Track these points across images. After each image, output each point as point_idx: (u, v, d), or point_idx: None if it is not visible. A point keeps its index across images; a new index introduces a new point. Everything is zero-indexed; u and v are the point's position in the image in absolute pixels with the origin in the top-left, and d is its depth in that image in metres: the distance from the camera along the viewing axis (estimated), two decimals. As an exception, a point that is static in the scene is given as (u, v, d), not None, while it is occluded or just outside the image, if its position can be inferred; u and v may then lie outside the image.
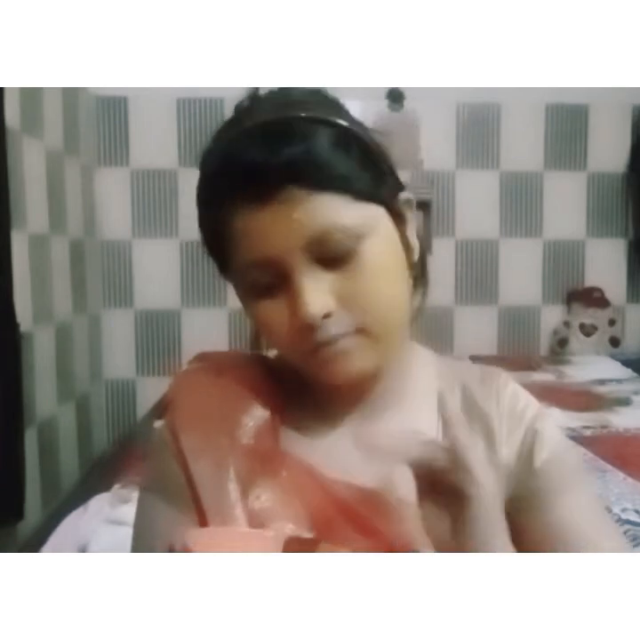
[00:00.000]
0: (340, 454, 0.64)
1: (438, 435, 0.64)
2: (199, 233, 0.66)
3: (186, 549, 0.54)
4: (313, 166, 0.56)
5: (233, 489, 0.59)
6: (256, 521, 0.58)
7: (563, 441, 0.69)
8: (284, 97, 0.62)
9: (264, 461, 0.61)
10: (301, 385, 0.67)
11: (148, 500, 0.64)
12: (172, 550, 0.56)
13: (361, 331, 0.60)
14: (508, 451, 0.66)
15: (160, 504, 0.62)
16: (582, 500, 0.64)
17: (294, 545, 0.54)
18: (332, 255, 0.58)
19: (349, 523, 0.59)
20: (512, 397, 0.69)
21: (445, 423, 0.59)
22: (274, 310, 0.60)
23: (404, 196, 0.65)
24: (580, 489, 0.65)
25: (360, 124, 0.62)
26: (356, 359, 0.60)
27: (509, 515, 0.62)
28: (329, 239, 0.57)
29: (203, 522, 0.58)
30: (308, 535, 0.57)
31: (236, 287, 0.64)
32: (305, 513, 0.59)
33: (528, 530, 0.63)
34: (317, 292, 0.58)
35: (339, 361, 0.60)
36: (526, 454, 0.66)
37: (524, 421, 0.67)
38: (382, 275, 0.60)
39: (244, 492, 0.59)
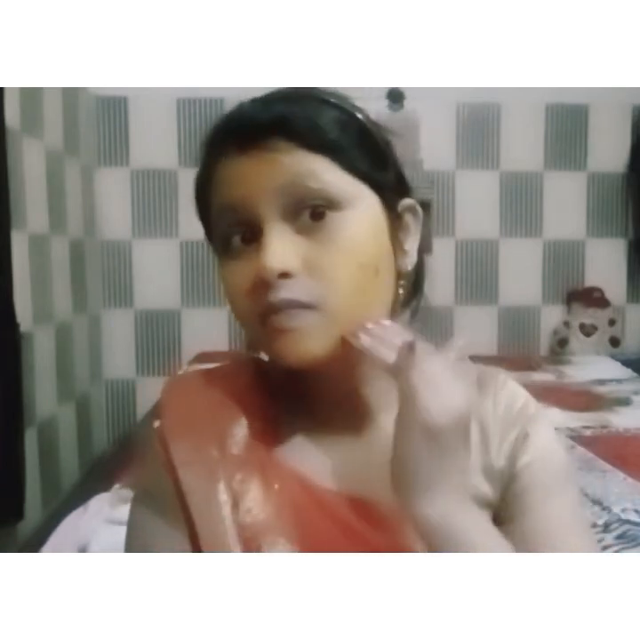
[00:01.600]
0: (336, 461, 0.63)
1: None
2: (194, 191, 0.66)
3: None
4: (303, 124, 0.58)
5: (224, 502, 0.57)
6: (246, 535, 0.56)
7: (550, 447, 0.66)
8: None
9: (255, 472, 0.59)
10: (296, 388, 0.66)
11: (139, 511, 0.63)
12: None
13: (317, 307, 0.58)
14: (500, 452, 0.64)
15: (151, 516, 0.60)
16: (557, 510, 0.62)
17: None
18: (304, 212, 0.58)
19: (343, 534, 0.58)
20: (509, 398, 0.67)
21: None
22: (239, 271, 0.60)
23: (407, 201, 0.65)
24: (557, 498, 0.63)
25: (371, 119, 0.64)
26: (305, 337, 0.58)
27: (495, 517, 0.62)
28: (303, 193, 0.58)
29: (193, 535, 0.57)
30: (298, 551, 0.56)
31: (215, 251, 0.64)
32: (298, 526, 0.57)
33: (506, 533, 0.60)
34: (281, 249, 0.57)
35: (287, 336, 0.58)
36: (513, 456, 0.64)
37: (518, 423, 0.65)
38: (353, 252, 0.59)
39: (235, 505, 0.57)
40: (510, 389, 0.68)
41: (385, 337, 0.58)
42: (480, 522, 0.56)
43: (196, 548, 0.56)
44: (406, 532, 0.57)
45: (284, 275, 0.57)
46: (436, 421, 0.53)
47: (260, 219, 0.58)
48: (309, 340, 0.58)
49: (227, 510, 0.57)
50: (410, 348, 0.55)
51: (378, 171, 0.62)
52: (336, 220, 0.58)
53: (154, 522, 0.60)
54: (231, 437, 0.61)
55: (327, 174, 0.58)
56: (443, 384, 0.54)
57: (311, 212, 0.58)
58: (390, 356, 0.56)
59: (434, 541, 0.53)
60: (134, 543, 0.62)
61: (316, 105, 0.60)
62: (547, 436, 0.66)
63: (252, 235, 0.59)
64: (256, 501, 0.58)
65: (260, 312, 0.59)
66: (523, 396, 0.68)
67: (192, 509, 0.57)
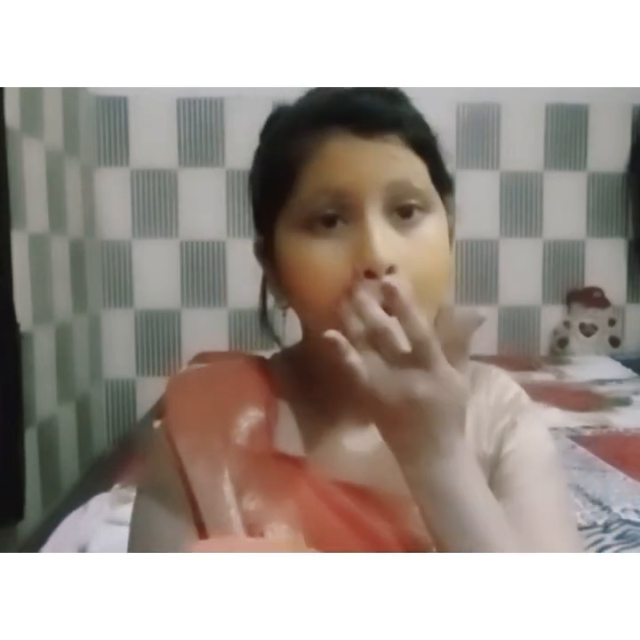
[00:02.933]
0: (339, 451, 0.64)
1: None
2: (256, 167, 0.67)
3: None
4: (417, 127, 0.63)
5: (228, 491, 0.59)
6: (251, 522, 0.58)
7: (537, 437, 0.67)
8: None
9: (259, 462, 0.61)
10: (298, 384, 0.67)
11: (145, 501, 0.64)
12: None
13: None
14: (490, 440, 0.66)
15: (156, 506, 0.62)
16: (537, 500, 0.63)
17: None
18: (403, 209, 0.60)
19: (345, 523, 0.59)
20: (501, 389, 0.69)
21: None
22: (328, 252, 0.59)
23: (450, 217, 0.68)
24: (538, 488, 0.63)
25: None
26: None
27: None
28: (407, 190, 0.60)
29: (199, 524, 0.58)
30: (301, 537, 0.57)
31: (283, 229, 0.63)
32: (300, 514, 0.59)
33: None
34: (387, 242, 0.58)
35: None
36: (500, 442, 0.66)
37: (508, 412, 0.68)
38: (440, 254, 0.62)
39: (239, 494, 0.59)
40: (503, 382, 0.71)
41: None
42: (473, 486, 0.56)
43: (203, 536, 0.57)
44: (410, 520, 0.58)
45: (390, 269, 0.58)
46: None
47: (362, 207, 0.59)
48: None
49: (231, 498, 0.59)
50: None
51: (446, 179, 0.67)
52: (421, 220, 0.61)
53: (158, 511, 0.62)
54: (235, 428, 0.63)
55: (424, 179, 0.62)
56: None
57: (401, 209, 0.61)
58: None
59: (424, 502, 0.55)
60: (139, 535, 0.63)
61: (417, 110, 0.64)
62: (535, 427, 0.68)
63: (349, 215, 0.60)
64: (260, 490, 0.60)
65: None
66: (514, 388, 0.71)
67: (198, 498, 0.59)
